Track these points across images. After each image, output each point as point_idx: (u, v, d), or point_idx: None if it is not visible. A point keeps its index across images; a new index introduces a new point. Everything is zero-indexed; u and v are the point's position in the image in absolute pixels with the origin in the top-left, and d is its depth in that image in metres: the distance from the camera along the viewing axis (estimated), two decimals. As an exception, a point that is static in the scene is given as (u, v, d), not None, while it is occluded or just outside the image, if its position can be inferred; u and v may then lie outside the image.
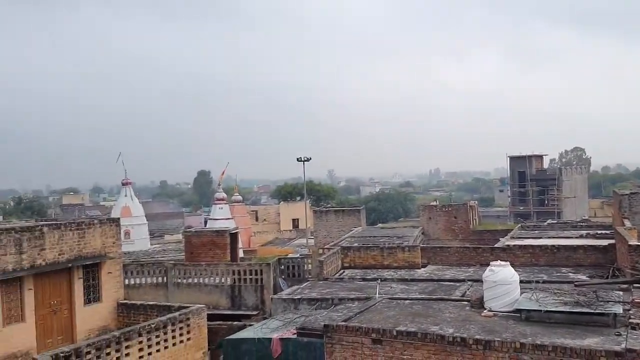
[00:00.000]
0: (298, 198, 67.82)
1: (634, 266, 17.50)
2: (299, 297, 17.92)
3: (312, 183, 74.15)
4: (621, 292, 15.19)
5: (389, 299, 16.28)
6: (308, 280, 21.04)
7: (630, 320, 12.69)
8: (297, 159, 45.01)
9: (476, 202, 56.70)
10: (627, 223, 23.29)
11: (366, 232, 38.63)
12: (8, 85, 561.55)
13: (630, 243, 18.13)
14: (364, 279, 20.54)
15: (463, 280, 19.41)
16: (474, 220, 44.25)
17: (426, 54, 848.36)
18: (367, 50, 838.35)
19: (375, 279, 19.51)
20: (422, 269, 22.28)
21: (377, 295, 16.52)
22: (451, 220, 40.71)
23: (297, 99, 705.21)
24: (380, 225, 54.49)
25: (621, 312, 12.85)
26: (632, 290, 16.08)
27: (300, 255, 29.22)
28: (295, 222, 61.71)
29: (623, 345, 10.83)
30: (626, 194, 26.39)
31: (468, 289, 17.69)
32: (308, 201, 59.37)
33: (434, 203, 47.92)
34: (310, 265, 22.00)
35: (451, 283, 19.33)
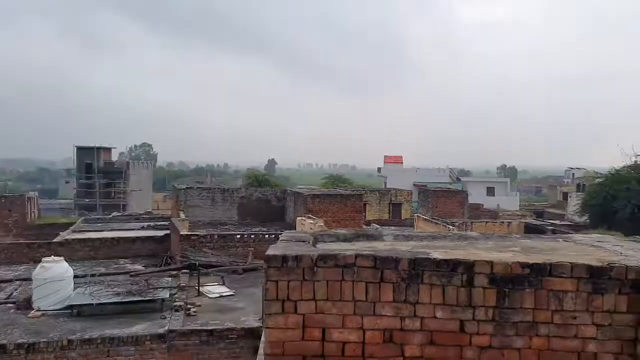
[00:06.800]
0: None
1: (183, 254, 19.22)
2: None
3: None
4: (170, 279, 16.87)
5: None
6: None
7: (175, 303, 13.98)
8: None
9: (36, 193, 51.08)
10: (182, 215, 26.44)
11: None
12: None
13: (181, 233, 20.20)
14: None
15: (11, 280, 17.91)
16: (33, 214, 41.20)
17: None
18: None
19: None
20: (-39, 272, 19.18)
21: None
22: (4, 214, 36.80)
23: None
24: None
25: (168, 296, 14.29)
26: (180, 275, 17.67)
27: None
28: None
29: (166, 327, 12.19)
30: (183, 188, 31.37)
31: (16, 290, 16.62)
32: None
33: (-17, 194, 42.20)
34: None
35: (-4, 284, 17.10)
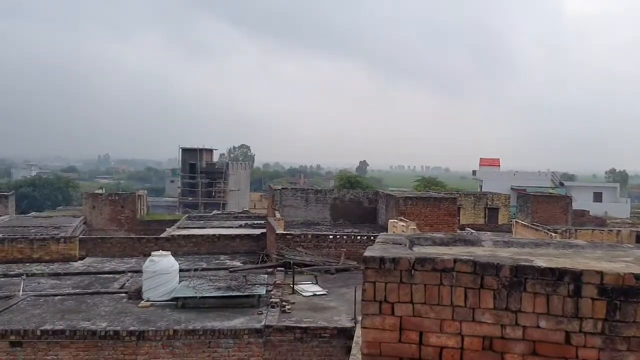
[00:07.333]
0: None
1: (279, 252, 19.46)
2: None
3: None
4: (266, 276, 17.53)
5: (36, 296, 15.18)
6: None
7: (271, 300, 14.22)
8: None
9: (145, 191, 51.79)
10: (277, 214, 26.61)
11: (15, 221, 34.42)
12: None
13: (277, 232, 20.37)
14: (5, 275, 18.19)
15: (124, 272, 18.65)
16: (142, 210, 42.31)
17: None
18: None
19: (20, 275, 17.39)
20: (79, 262, 20.84)
21: (20, 292, 15.20)
22: (117, 210, 38.67)
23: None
24: (33, 213, 46.35)
25: (264, 293, 14.67)
26: (276, 273, 17.80)
27: None
28: None
29: (263, 323, 12.55)
30: (278, 189, 31.75)
31: (128, 281, 17.12)
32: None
33: (99, 191, 46.42)
34: None
35: (111, 275, 18.51)
